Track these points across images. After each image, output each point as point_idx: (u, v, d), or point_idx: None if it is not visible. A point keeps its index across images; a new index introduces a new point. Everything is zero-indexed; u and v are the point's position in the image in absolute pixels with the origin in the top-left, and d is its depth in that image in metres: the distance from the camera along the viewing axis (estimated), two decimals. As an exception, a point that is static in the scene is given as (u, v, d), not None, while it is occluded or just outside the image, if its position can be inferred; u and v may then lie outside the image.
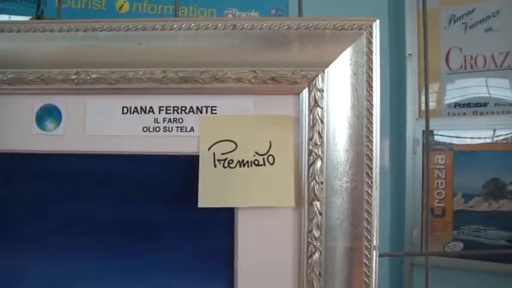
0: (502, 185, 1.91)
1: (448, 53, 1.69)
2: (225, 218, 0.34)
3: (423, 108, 1.68)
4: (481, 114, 1.93)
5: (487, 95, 1.77)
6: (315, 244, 0.32)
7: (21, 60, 0.34)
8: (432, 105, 1.75)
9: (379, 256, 0.33)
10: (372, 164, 0.33)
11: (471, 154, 1.78)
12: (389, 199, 1.62)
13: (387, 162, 1.65)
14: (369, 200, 0.33)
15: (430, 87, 1.63)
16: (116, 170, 0.34)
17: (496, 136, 1.88)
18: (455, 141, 1.66)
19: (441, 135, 1.72)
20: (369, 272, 0.33)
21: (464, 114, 1.75)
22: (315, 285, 0.31)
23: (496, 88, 1.77)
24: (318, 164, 0.33)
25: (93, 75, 0.33)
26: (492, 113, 1.87)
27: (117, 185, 0.34)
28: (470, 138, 1.73)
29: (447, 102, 1.74)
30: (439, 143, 1.72)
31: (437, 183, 1.76)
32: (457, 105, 1.79)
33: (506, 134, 1.74)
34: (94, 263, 0.34)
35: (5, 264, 0.35)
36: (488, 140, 1.84)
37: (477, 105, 1.88)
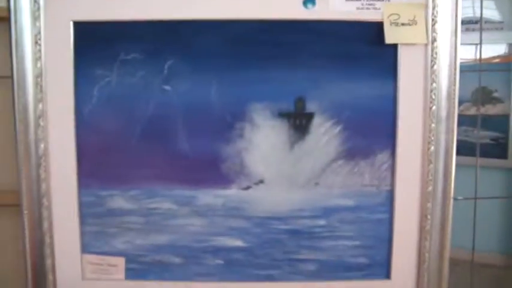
0: (488, 92, 2.48)
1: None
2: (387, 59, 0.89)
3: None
4: (473, 30, 2.47)
5: (478, 15, 2.30)
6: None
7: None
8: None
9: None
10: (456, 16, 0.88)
11: (462, 66, 2.32)
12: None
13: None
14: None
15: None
16: (336, 26, 0.88)
17: (484, 50, 2.44)
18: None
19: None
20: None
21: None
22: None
23: (486, 9, 2.32)
24: (436, 25, 0.87)
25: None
26: (483, 30, 2.41)
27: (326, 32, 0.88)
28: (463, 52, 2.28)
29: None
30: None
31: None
32: (458, 22, 2.28)
33: (492, 49, 2.31)
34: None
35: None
36: (477, 53, 2.39)
37: (469, 22, 2.41)
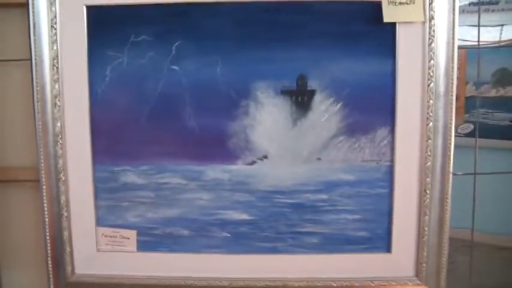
0: (509, 73, 2.50)
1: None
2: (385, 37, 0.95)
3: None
4: (492, 11, 2.49)
5: (498, -5, 2.31)
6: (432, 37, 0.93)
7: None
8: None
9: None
10: None
11: (483, 47, 2.32)
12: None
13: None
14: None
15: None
16: (336, 6, 0.94)
17: (505, 31, 2.46)
18: (468, 36, 2.22)
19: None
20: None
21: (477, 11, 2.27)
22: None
23: (507, -12, 2.33)
24: (434, 4, 0.93)
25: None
26: (503, 10, 2.43)
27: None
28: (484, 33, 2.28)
29: (462, 2, 2.28)
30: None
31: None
32: (471, 3, 2.30)
33: (514, 29, 2.31)
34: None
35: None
36: (498, 35, 2.40)
37: (489, 3, 2.43)
